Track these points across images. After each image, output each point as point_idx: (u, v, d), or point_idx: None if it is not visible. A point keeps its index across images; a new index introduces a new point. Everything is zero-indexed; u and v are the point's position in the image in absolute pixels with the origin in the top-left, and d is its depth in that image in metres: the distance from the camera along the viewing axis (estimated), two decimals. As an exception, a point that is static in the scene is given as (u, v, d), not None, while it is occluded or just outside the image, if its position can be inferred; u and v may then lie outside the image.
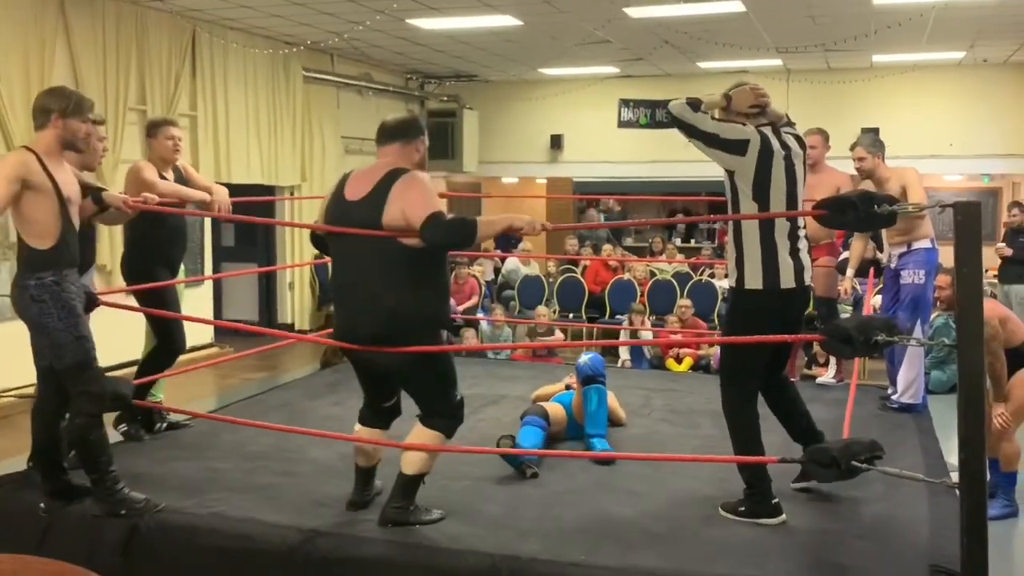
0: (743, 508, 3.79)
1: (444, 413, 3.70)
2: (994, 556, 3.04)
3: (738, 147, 3.70)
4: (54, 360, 3.77)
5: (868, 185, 5.78)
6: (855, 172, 6.03)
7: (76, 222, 3.88)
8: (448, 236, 3.47)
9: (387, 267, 3.50)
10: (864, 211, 3.35)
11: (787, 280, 3.72)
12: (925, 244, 5.78)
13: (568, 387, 5.31)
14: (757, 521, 3.74)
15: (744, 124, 3.78)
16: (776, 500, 3.76)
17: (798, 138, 3.92)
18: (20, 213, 3.73)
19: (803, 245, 3.81)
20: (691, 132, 3.72)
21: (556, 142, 15.16)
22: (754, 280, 3.72)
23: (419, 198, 3.48)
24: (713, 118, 3.77)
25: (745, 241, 3.74)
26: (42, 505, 3.89)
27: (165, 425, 5.13)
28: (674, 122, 3.75)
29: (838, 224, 3.84)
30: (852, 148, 5.92)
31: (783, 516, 3.74)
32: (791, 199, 3.77)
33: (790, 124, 3.97)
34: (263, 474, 4.35)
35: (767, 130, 3.80)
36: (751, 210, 3.73)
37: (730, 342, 3.84)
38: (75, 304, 3.81)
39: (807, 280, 3.80)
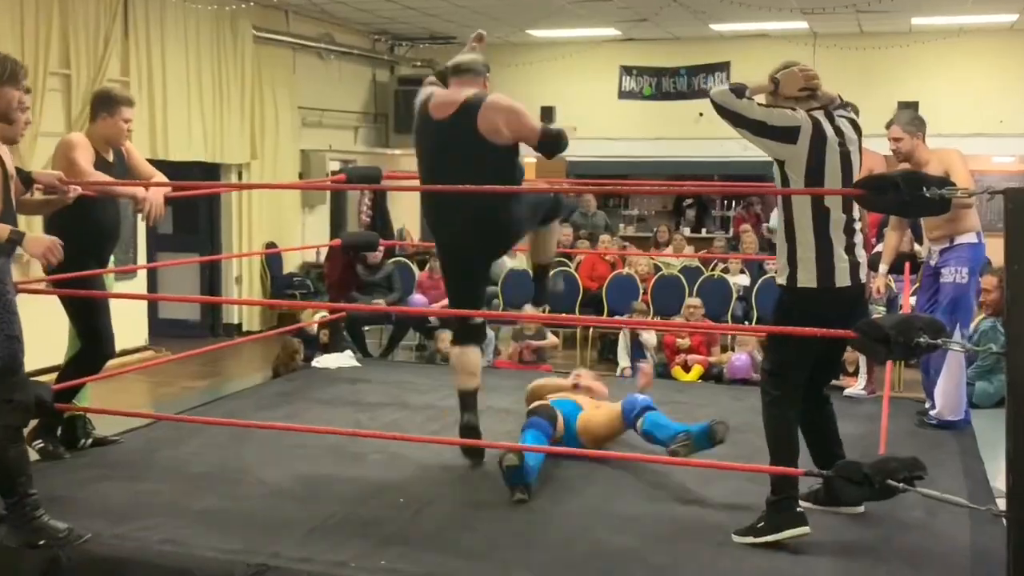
0: (762, 524, 3.83)
1: None
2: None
3: (788, 135, 3.83)
4: None
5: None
6: (890, 153, 6.06)
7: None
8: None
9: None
10: (909, 193, 3.37)
11: (842, 278, 3.85)
12: (970, 238, 5.78)
13: (575, 387, 5.30)
14: (779, 536, 3.76)
15: (794, 109, 3.89)
16: (802, 510, 3.83)
17: (853, 123, 4.04)
18: None
19: (859, 240, 3.95)
20: (737, 121, 3.86)
21: (547, 115, 15.14)
22: (807, 279, 3.85)
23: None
24: (759, 104, 3.90)
25: (798, 236, 3.88)
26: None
27: (90, 441, 5.11)
28: (718, 111, 3.89)
29: (877, 207, 3.87)
30: (888, 126, 5.94)
31: (807, 527, 3.79)
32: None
33: (844, 107, 4.09)
34: (205, 497, 4.34)
35: (819, 115, 3.91)
36: (803, 203, 3.85)
37: (750, 332, 3.87)
38: (11, 298, 3.80)
39: (863, 278, 3.96)
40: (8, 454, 3.78)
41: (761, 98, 4.00)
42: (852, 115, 4.07)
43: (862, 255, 3.96)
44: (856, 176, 3.95)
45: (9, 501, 3.81)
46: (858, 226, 3.96)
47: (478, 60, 4.96)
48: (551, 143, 4.81)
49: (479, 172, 4.54)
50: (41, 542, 3.77)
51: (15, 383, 3.78)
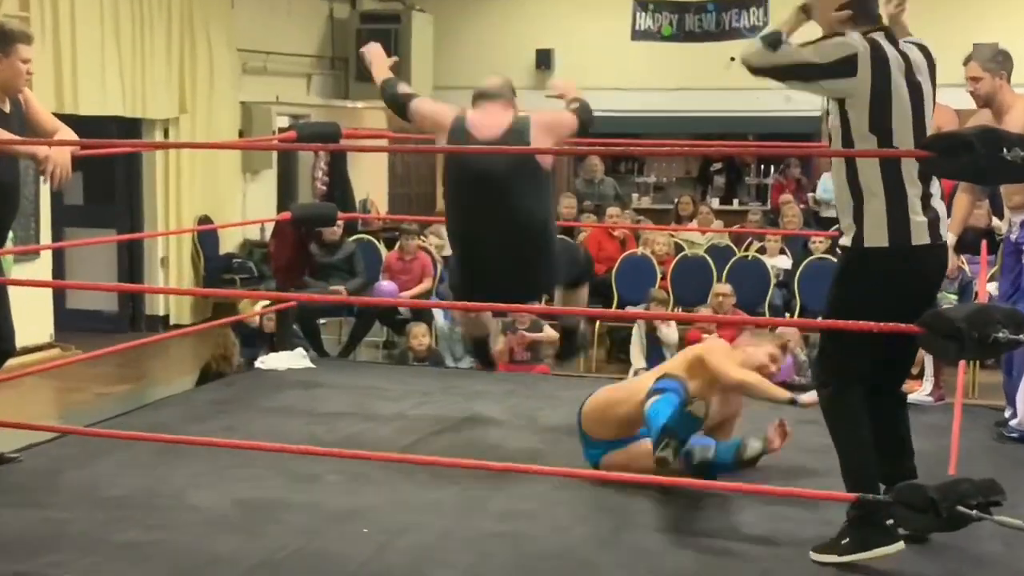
0: (847, 540, 3.84)
1: None
2: None
3: (846, 66, 3.80)
4: None
5: (984, 118, 5.80)
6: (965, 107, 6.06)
7: None
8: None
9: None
10: (986, 155, 3.37)
11: (919, 235, 3.85)
12: None
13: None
14: (869, 556, 3.78)
15: (843, 35, 3.87)
16: (891, 522, 3.79)
17: (923, 48, 4.03)
18: None
19: (936, 190, 3.94)
20: (786, 75, 3.94)
21: (544, 60, 15.17)
22: (877, 236, 3.84)
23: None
24: (801, 45, 3.91)
25: (865, 186, 3.86)
26: None
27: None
28: (757, 73, 3.95)
29: (947, 171, 3.86)
30: (965, 63, 5.95)
31: (902, 543, 3.79)
32: (919, 129, 3.87)
33: (907, 35, 4.11)
34: (126, 528, 4.34)
35: (878, 36, 3.89)
36: (870, 147, 3.85)
37: (793, 324, 3.85)
38: None
39: (943, 234, 3.96)
40: None
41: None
42: (921, 40, 4.06)
43: (942, 208, 3.96)
44: (930, 111, 3.93)
45: None
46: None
47: (507, 84, 5.51)
48: (588, 121, 5.63)
49: (528, 196, 5.19)
50: None
51: None
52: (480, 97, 5.41)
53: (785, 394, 4.88)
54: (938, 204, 3.93)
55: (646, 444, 4.61)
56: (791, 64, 3.88)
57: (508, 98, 5.42)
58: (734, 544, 4.24)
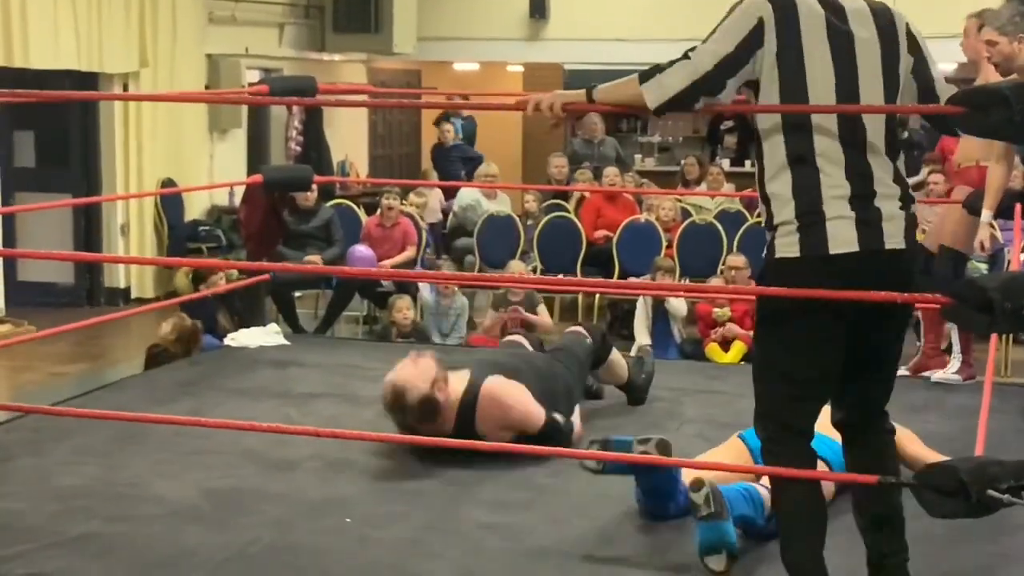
0: None
1: None
2: None
3: (754, 39, 3.41)
4: None
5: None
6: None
7: None
8: None
9: None
10: (1022, 111, 3.35)
11: (842, 241, 3.38)
12: None
13: None
14: None
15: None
16: None
17: (879, 8, 3.56)
18: None
19: (885, 185, 3.44)
20: (690, 99, 3.49)
21: (538, 8, 15.16)
22: (787, 244, 3.43)
23: None
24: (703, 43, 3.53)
25: (770, 180, 3.47)
26: None
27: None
28: (665, 112, 3.60)
29: (979, 129, 3.81)
30: (979, 28, 5.94)
31: None
32: (851, 99, 3.43)
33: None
34: (84, 520, 4.34)
35: None
36: (775, 133, 3.44)
37: (812, 296, 3.59)
38: None
39: (891, 238, 3.42)
40: None
41: None
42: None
43: (889, 205, 3.42)
44: (873, 79, 3.47)
45: None
46: (880, 156, 3.45)
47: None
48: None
49: None
50: None
51: None
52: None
53: None
54: (886, 203, 3.40)
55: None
56: (697, 78, 3.44)
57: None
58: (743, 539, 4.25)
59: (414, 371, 4.94)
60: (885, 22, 3.48)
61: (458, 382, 5.07)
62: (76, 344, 9.75)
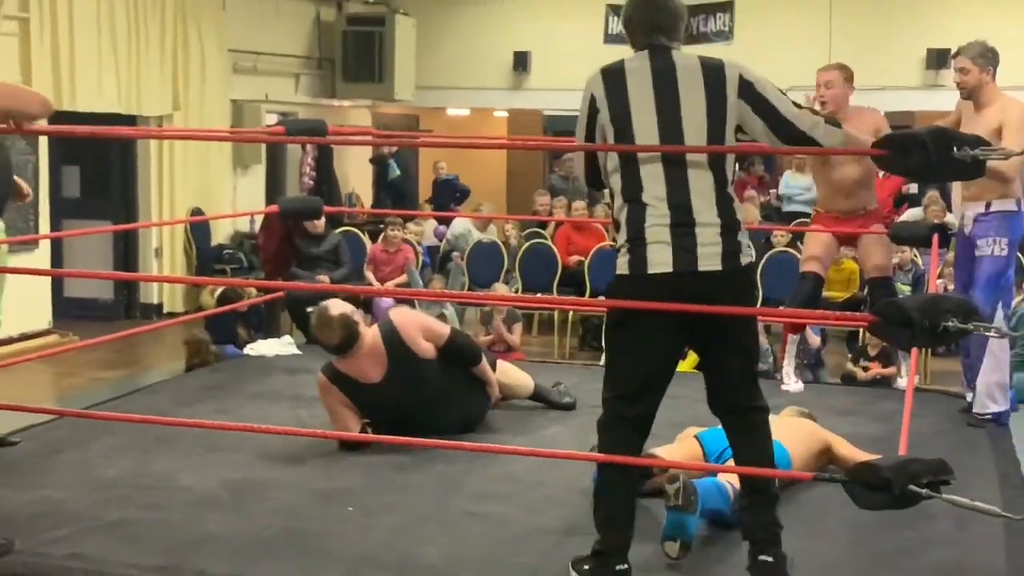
0: (587, 565, 3.69)
1: None
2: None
3: (591, 115, 3.72)
4: None
5: (968, 111, 5.82)
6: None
7: None
8: None
9: None
10: (937, 154, 3.36)
11: (661, 262, 3.52)
12: (1009, 205, 5.80)
13: None
14: None
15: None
16: (623, 568, 3.63)
17: (710, 63, 3.68)
18: None
19: (708, 215, 3.55)
20: (592, 169, 3.79)
21: (521, 62, 15.15)
22: (621, 263, 3.62)
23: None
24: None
25: (616, 210, 3.68)
26: None
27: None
28: (592, 187, 3.99)
29: (900, 168, 3.84)
30: (954, 56, 5.96)
31: None
32: (675, 138, 3.56)
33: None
34: (119, 507, 4.33)
35: (638, 55, 3.72)
36: (615, 176, 3.63)
37: (759, 313, 3.78)
38: None
39: (706, 262, 3.52)
40: None
41: None
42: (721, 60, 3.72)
43: (708, 234, 3.51)
44: (703, 121, 3.57)
45: None
46: (689, 188, 3.54)
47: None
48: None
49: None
50: None
51: None
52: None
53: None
54: (704, 231, 3.50)
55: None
56: (584, 175, 3.87)
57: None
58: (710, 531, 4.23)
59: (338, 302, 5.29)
60: (714, 75, 3.59)
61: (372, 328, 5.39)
62: (114, 353, 9.70)
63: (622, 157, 3.58)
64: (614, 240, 3.68)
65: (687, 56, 3.66)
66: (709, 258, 3.50)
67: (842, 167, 6.37)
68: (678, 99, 3.56)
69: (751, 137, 3.72)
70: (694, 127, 3.56)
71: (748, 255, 3.62)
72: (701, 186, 3.54)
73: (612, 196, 3.68)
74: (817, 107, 5.98)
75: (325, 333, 5.19)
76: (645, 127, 3.56)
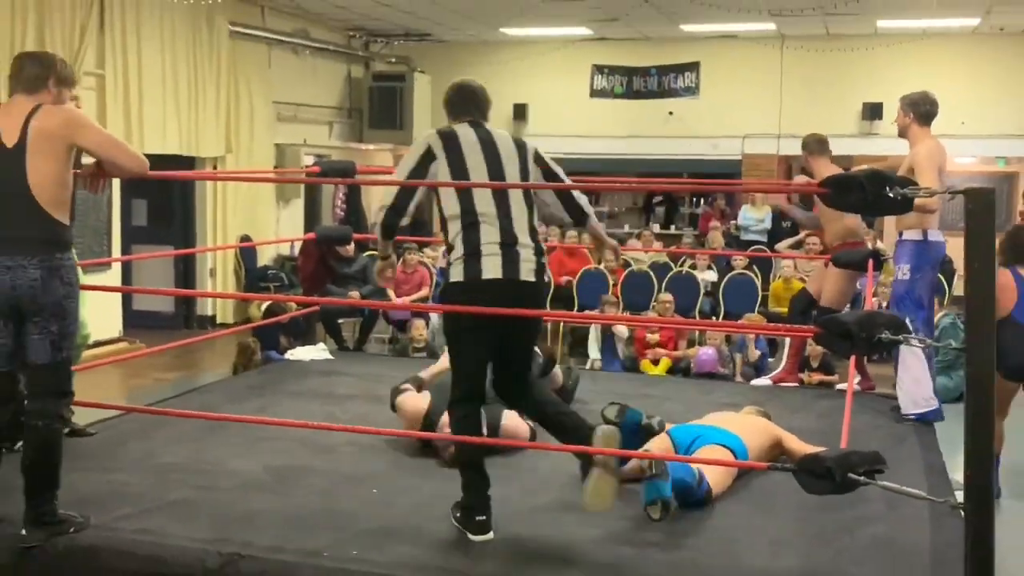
0: (458, 513, 3.89)
1: None
2: None
3: (425, 159, 3.96)
4: (53, 352, 3.73)
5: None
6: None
7: None
8: None
9: None
10: (871, 193, 3.37)
11: (493, 270, 3.85)
12: (915, 235, 5.80)
13: None
14: (469, 536, 3.81)
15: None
16: (483, 518, 3.81)
17: (517, 140, 4.13)
18: (60, 180, 3.72)
19: (525, 238, 3.94)
20: (393, 220, 4.03)
21: (520, 113, 15.16)
22: (456, 273, 3.91)
23: None
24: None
25: (451, 235, 3.96)
26: (23, 532, 3.73)
27: (66, 431, 5.04)
28: (388, 234, 4.13)
29: (842, 205, 3.85)
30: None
31: (490, 535, 3.80)
32: (501, 192, 3.94)
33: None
34: (177, 488, 4.31)
35: (461, 126, 4.06)
36: (454, 212, 3.90)
37: (722, 327, 3.80)
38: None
39: (525, 274, 3.89)
40: (61, 444, 3.81)
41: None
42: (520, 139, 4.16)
43: (525, 253, 3.89)
44: (516, 174, 4.00)
45: (47, 495, 3.75)
46: (526, 226, 3.94)
47: None
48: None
49: None
50: (71, 529, 3.75)
51: (70, 375, 3.87)
52: None
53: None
54: (523, 251, 3.88)
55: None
56: (391, 205, 4.00)
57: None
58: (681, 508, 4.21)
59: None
60: (519, 147, 4.07)
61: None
62: (174, 357, 9.70)
63: (460, 194, 3.88)
64: (447, 258, 3.96)
65: (498, 130, 4.11)
66: (528, 272, 3.88)
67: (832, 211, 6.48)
68: (500, 158, 3.97)
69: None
70: (512, 178, 3.98)
71: (545, 272, 4.02)
72: (520, 219, 3.92)
73: (444, 223, 3.95)
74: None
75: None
76: (478, 175, 3.93)
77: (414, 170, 3.96)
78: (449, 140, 3.96)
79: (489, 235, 3.84)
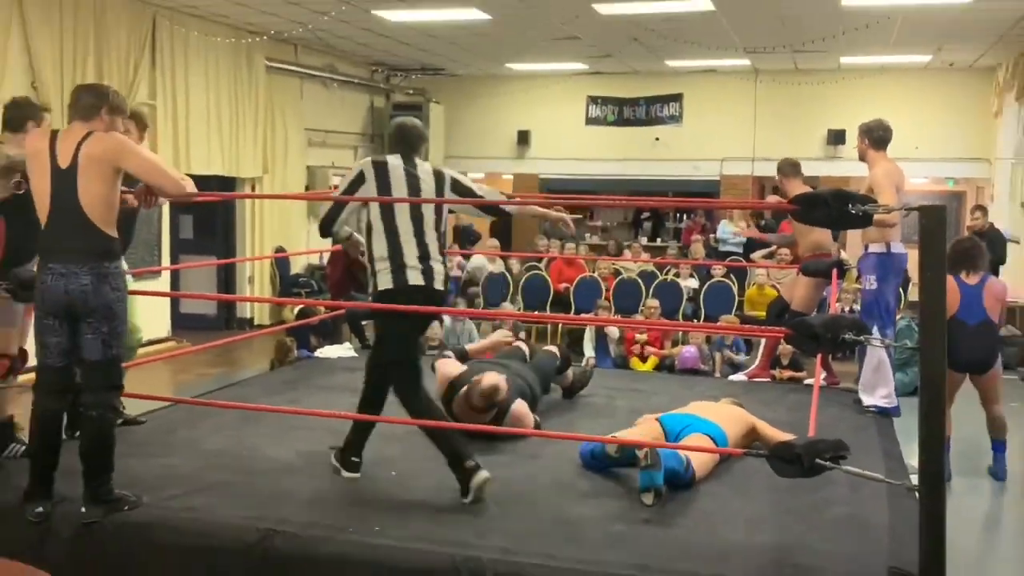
0: (335, 452, 4.29)
1: None
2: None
3: (356, 182, 4.18)
4: (104, 350, 3.75)
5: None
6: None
7: None
8: None
9: None
10: (836, 209, 3.37)
11: (416, 279, 4.14)
12: (879, 248, 5.78)
13: None
14: (343, 474, 4.21)
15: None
16: (357, 460, 4.26)
17: (436, 170, 4.34)
18: (108, 200, 3.74)
19: (433, 252, 4.20)
20: (330, 222, 4.33)
21: (523, 138, 15.17)
22: (386, 282, 4.16)
23: None
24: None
25: (376, 249, 4.22)
26: (83, 509, 3.75)
27: (120, 420, 5.04)
28: (326, 232, 4.39)
29: (809, 220, 3.85)
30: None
31: (357, 474, 4.23)
32: (416, 213, 4.19)
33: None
34: (219, 471, 4.31)
35: (392, 156, 4.29)
36: (379, 230, 4.16)
37: (702, 329, 3.79)
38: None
39: (437, 283, 4.19)
40: (114, 432, 3.84)
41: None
42: (440, 170, 4.37)
43: (438, 266, 4.19)
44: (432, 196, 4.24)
45: (103, 477, 3.77)
46: (437, 243, 4.20)
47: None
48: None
49: None
50: (125, 507, 3.77)
51: (120, 371, 3.89)
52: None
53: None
54: (436, 264, 4.17)
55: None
56: (326, 213, 4.29)
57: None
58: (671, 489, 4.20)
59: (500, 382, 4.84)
60: (439, 177, 4.31)
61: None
62: (217, 355, 9.70)
63: (384, 213, 4.13)
64: (372, 268, 4.20)
65: (424, 164, 4.33)
66: (439, 281, 4.19)
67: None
68: (420, 187, 4.22)
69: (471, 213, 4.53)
70: (428, 205, 4.25)
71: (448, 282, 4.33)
72: (432, 238, 4.19)
73: (369, 235, 4.18)
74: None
75: (479, 401, 4.88)
76: (399, 196, 4.18)
77: (347, 191, 4.21)
78: (379, 167, 4.21)
79: (409, 249, 4.15)
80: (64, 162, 3.72)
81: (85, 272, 3.69)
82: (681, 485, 4.11)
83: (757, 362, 7.20)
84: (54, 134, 3.83)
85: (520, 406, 4.90)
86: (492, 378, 4.81)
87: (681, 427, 4.49)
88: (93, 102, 3.83)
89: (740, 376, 7.02)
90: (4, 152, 4.22)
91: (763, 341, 7.23)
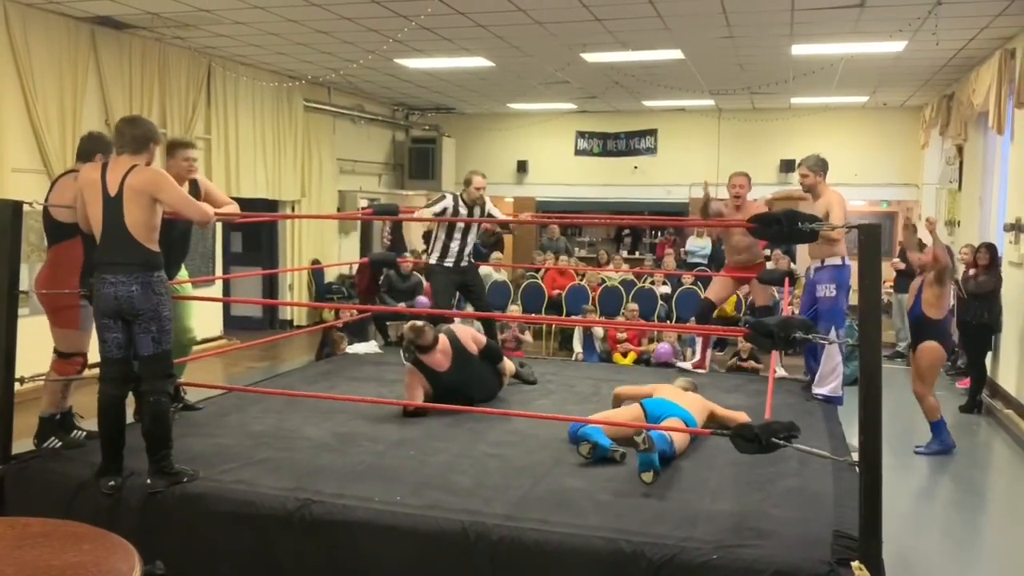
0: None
1: None
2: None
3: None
4: (154, 345, 3.78)
5: (816, 203, 5.82)
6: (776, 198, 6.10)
7: None
8: None
9: None
10: (788, 227, 3.38)
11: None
12: (836, 261, 5.78)
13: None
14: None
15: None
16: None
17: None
18: (149, 223, 3.76)
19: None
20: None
21: (522, 166, 15.18)
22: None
23: None
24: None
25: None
26: (148, 481, 3.76)
27: (181, 405, 5.06)
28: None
29: (766, 236, 3.86)
30: (798, 166, 5.97)
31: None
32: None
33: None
34: (264, 449, 4.31)
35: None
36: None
37: (673, 328, 3.78)
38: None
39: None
40: (169, 414, 3.86)
41: None
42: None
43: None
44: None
45: (163, 452, 3.79)
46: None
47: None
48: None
49: None
50: (184, 479, 3.78)
51: (171, 361, 3.90)
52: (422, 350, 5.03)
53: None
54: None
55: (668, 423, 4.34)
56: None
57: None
58: (631, 472, 4.19)
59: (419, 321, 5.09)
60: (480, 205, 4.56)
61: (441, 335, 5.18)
62: (262, 351, 9.70)
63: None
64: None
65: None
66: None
67: (735, 236, 6.41)
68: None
69: None
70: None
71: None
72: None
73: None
74: (732, 198, 6.19)
75: (422, 336, 5.00)
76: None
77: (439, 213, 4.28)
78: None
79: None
80: (112, 190, 3.75)
81: (131, 281, 3.74)
82: (665, 461, 4.11)
83: (698, 355, 7.18)
84: (104, 165, 3.83)
85: (454, 324, 5.19)
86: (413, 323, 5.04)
87: (660, 412, 4.50)
88: (143, 137, 3.82)
89: (686, 365, 7.00)
90: None
91: (701, 338, 7.19)
